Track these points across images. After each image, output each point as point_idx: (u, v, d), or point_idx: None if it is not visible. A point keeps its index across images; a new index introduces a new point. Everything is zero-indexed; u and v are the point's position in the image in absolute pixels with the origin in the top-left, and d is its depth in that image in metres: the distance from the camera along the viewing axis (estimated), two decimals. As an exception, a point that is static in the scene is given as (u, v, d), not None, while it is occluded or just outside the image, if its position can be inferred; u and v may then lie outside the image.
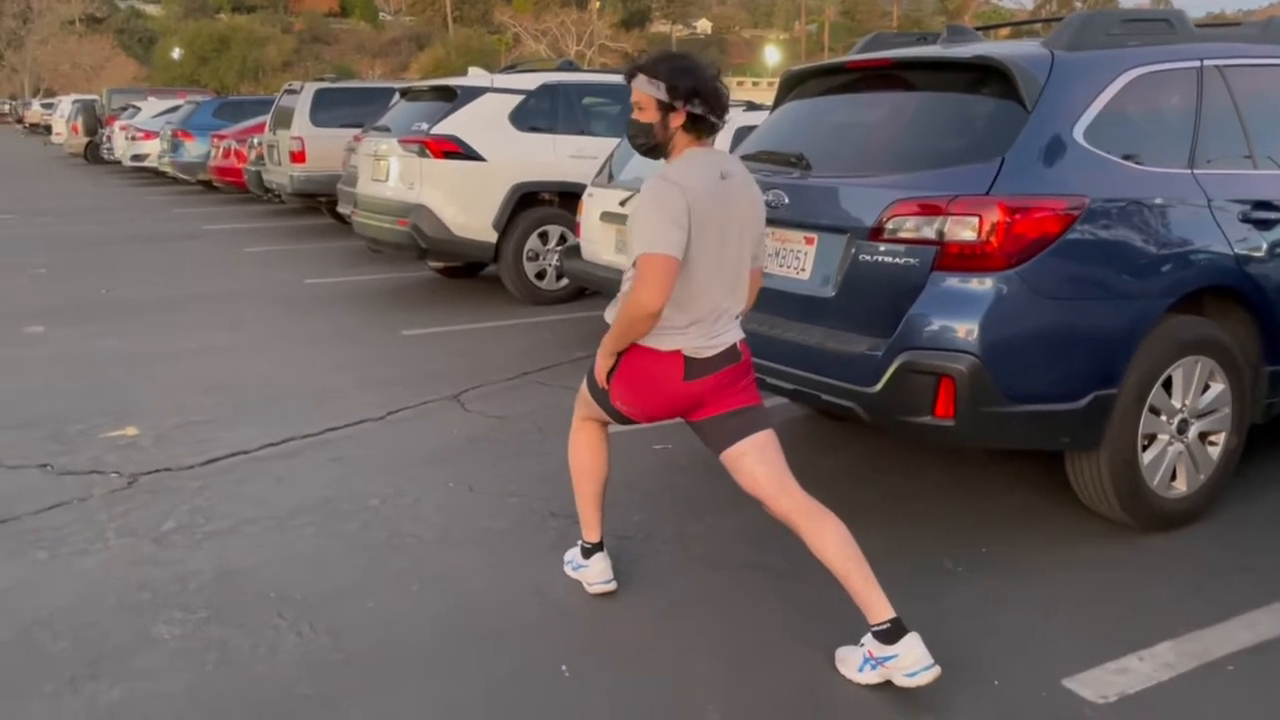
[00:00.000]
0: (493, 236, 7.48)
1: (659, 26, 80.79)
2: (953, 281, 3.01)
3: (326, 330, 6.81)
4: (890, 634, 2.52)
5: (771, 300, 3.47)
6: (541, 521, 3.57)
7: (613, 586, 3.04)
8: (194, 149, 16.56)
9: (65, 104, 30.79)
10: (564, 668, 2.64)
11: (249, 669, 2.67)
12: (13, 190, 18.29)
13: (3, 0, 77.37)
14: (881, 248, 3.17)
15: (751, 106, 6.42)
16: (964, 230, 2.99)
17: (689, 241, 2.49)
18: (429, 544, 3.42)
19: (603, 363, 2.70)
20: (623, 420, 2.80)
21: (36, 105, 53.06)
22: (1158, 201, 3.17)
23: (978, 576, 3.14)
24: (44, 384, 5.40)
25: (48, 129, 40.65)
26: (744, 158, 3.85)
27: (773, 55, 70.00)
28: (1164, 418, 3.29)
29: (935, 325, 3.02)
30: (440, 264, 8.76)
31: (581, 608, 2.96)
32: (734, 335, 2.67)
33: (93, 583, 3.15)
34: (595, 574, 3.04)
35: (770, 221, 3.45)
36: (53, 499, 3.80)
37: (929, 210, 3.07)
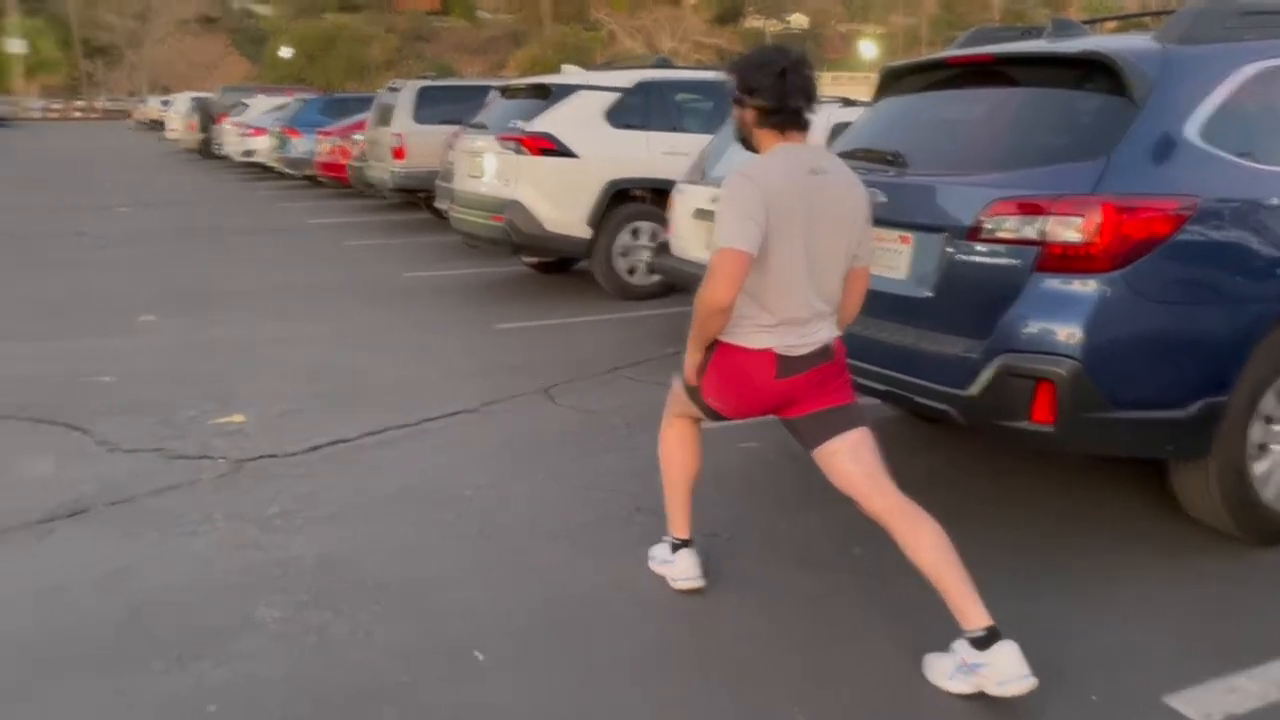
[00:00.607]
0: (585, 232, 7.53)
1: (753, 21, 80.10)
2: (1054, 283, 2.92)
3: (423, 322, 6.95)
4: (984, 641, 2.46)
5: (865, 299, 3.42)
6: (629, 516, 3.58)
7: (700, 583, 3.02)
8: (300, 145, 17.08)
9: (182, 101, 32.07)
10: (647, 664, 2.65)
11: (345, 654, 2.72)
12: (130, 184, 19.14)
13: (126, 2, 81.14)
14: (979, 247, 3.10)
15: (847, 103, 6.32)
16: (1067, 230, 2.90)
17: (769, 238, 2.46)
18: (519, 535, 3.46)
19: (690, 359, 2.69)
20: (715, 416, 2.78)
21: (154, 102, 55.46)
22: (1275, 202, 3.03)
23: (1076, 586, 3.06)
24: (156, 371, 5.63)
25: (160, 125, 42.43)
26: (839, 155, 3.79)
27: (869, 50, 68.83)
28: (1278, 427, 3.16)
29: (1035, 328, 2.94)
30: (533, 259, 8.85)
31: (666, 603, 2.96)
32: (828, 333, 2.64)
33: (201, 564, 3.27)
34: (682, 570, 3.03)
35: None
36: (165, 482, 3.96)
37: (1030, 209, 2.99)
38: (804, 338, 2.59)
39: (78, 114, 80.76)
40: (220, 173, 21.95)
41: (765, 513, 3.61)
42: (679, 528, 3.06)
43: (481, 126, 8.24)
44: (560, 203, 7.48)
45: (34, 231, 11.94)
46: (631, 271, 7.72)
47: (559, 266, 9.01)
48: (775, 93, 2.53)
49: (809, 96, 2.57)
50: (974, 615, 2.47)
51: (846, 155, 3.79)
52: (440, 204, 10.11)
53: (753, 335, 2.58)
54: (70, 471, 4.08)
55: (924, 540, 2.51)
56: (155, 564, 3.27)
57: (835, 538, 3.37)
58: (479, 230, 7.83)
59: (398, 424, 4.64)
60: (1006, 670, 2.41)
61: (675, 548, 3.06)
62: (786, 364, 2.57)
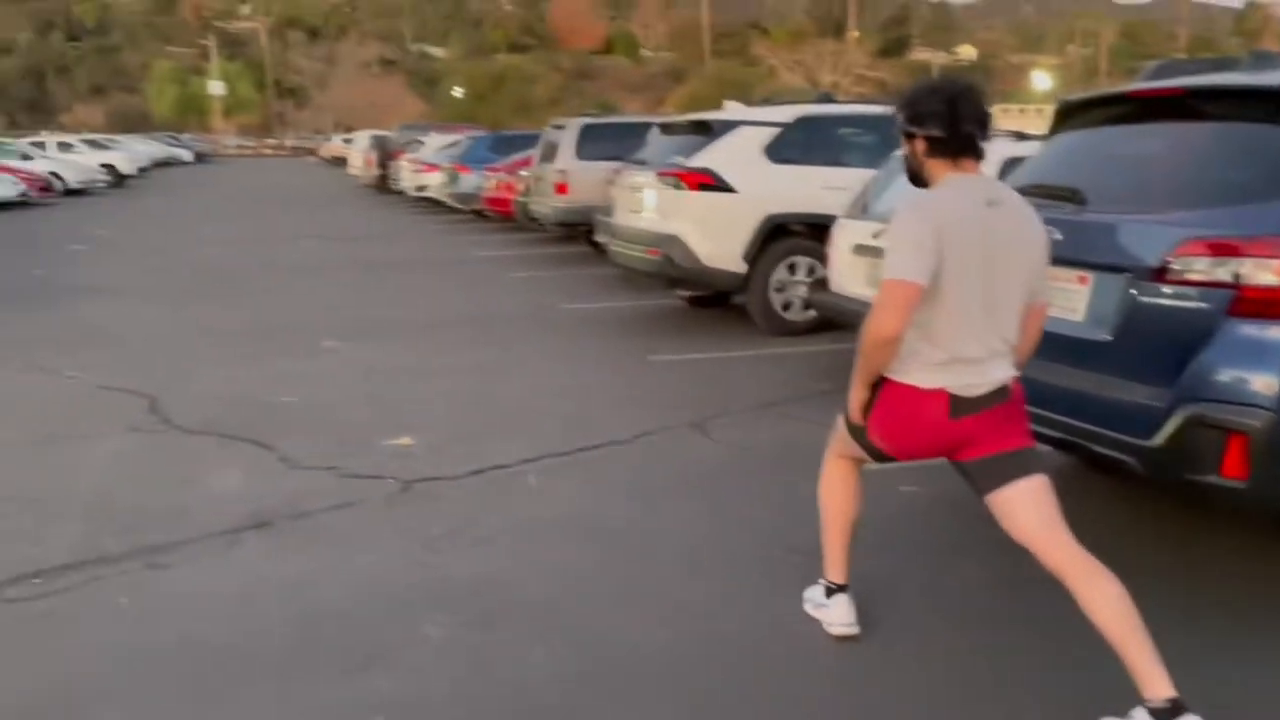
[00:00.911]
0: (742, 267, 7.53)
1: (918, 54, 78.80)
2: (1249, 329, 2.75)
3: (581, 353, 7.10)
4: (1168, 713, 2.30)
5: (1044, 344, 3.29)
6: (783, 556, 3.52)
7: (855, 630, 2.95)
8: (469, 181, 17.81)
9: (362, 138, 34.03)
10: (799, 714, 2.59)
11: (504, 675, 2.78)
12: (315, 218, 20.40)
13: (313, 47, 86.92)
14: (1165, 289, 2.96)
15: (1020, 137, 6.12)
16: (1264, 273, 2.74)
17: (942, 270, 2.38)
18: (673, 568, 3.47)
19: (855, 395, 2.61)
20: (880, 457, 2.69)
21: (337, 140, 58.99)
22: None
23: (1271, 659, 2.82)
24: (335, 393, 5.95)
25: (343, 161, 45.08)
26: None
27: (1042, 81, 66.47)
28: None
29: (1227, 376, 2.77)
30: (689, 293, 8.91)
31: (820, 649, 2.91)
32: (1005, 372, 2.52)
33: (370, 579, 3.42)
34: (837, 615, 2.96)
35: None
36: (339, 499, 4.17)
37: (1223, 250, 2.83)
38: (980, 376, 2.47)
39: (268, 151, 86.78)
40: (395, 207, 23.13)
41: (925, 562, 3.50)
42: (836, 572, 2.99)
43: (642, 162, 8.39)
44: (717, 237, 7.51)
45: (231, 260, 12.89)
46: (787, 307, 7.66)
47: (714, 301, 9.04)
48: (946, 120, 2.45)
49: (982, 122, 2.47)
50: (1157, 683, 2.31)
51: (1020, 191, 3.65)
52: (600, 238, 10.34)
53: (924, 373, 2.48)
54: (256, 485, 4.35)
55: (1104, 598, 2.36)
56: (330, 577, 3.44)
57: (1002, 591, 3.22)
58: (637, 264, 7.95)
59: (554, 452, 4.74)
60: (1190, 748, 2.24)
61: (831, 592, 2.99)
62: (960, 404, 2.47)
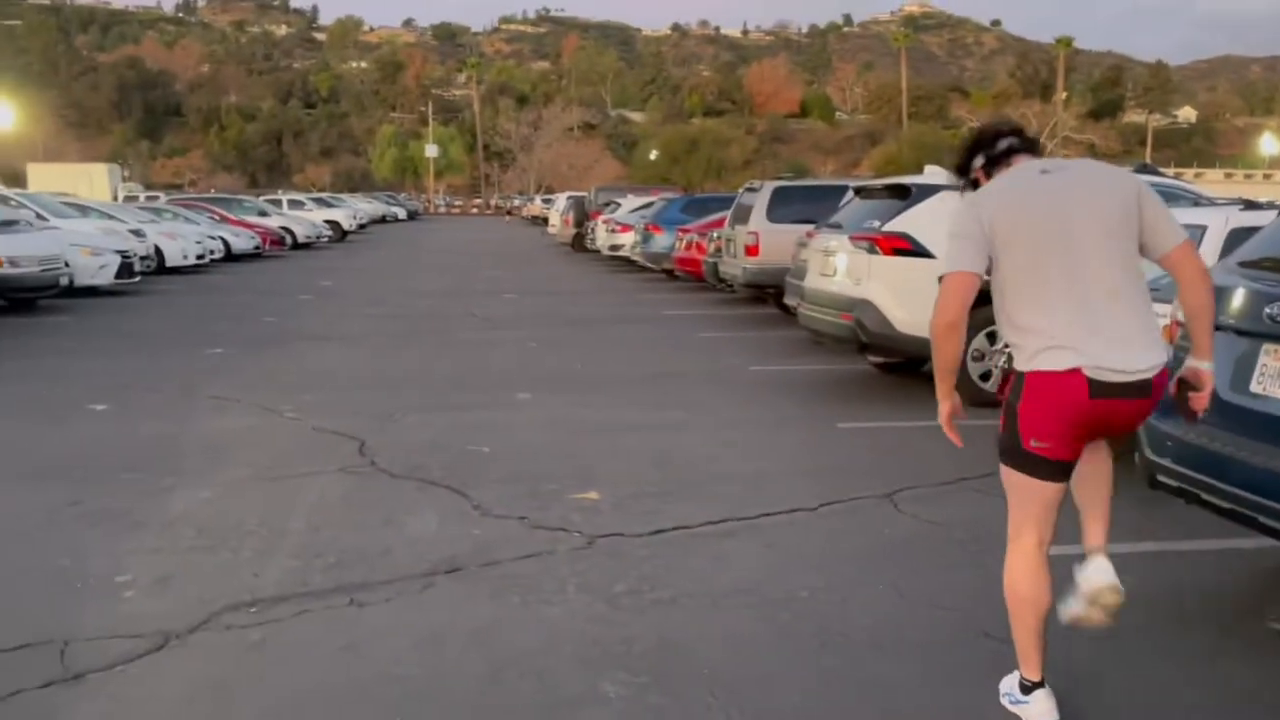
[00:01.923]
0: (937, 335, 7.33)
1: (1132, 115, 74.91)
2: None
3: (767, 415, 7.06)
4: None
5: (1265, 426, 3.03)
6: (975, 640, 3.33)
7: (1057, 729, 2.76)
8: (661, 241, 18.22)
9: (561, 199, 35.53)
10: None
11: (681, 741, 2.76)
12: (515, 273, 21.33)
13: (521, 112, 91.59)
14: None
15: (1249, 205, 5.69)
16: None
17: (1000, 252, 2.52)
18: (857, 646, 3.35)
19: (941, 407, 2.73)
20: (1042, 469, 2.59)
21: (538, 200, 61.88)
22: None
23: None
24: (527, 445, 6.16)
25: (543, 220, 47.11)
26: (1243, 264, 3.42)
27: (1270, 145, 61.71)
28: None
29: None
30: (880, 358, 8.73)
31: (1018, 745, 2.73)
32: (1147, 359, 2.47)
33: (554, 631, 3.48)
34: (1037, 713, 2.78)
35: (1273, 337, 3.04)
36: (527, 549, 4.28)
37: None
38: (1110, 357, 2.45)
39: (475, 210, 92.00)
40: (589, 264, 23.86)
41: (1134, 659, 3.25)
42: (1030, 668, 2.81)
43: (836, 226, 8.34)
44: (912, 303, 7.34)
45: (438, 311, 13.65)
46: (985, 377, 7.37)
47: (906, 367, 8.80)
48: (979, 149, 2.71)
49: (1010, 129, 2.71)
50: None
51: (1253, 265, 3.41)
52: (789, 300, 10.29)
53: (1047, 357, 2.49)
54: (450, 530, 4.54)
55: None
56: (516, 626, 3.53)
57: (1207, 690, 2.94)
58: (827, 327, 7.87)
59: (737, 515, 4.71)
60: None
61: (1027, 689, 2.82)
62: (1098, 387, 2.47)
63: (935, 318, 2.59)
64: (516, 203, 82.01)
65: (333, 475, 5.42)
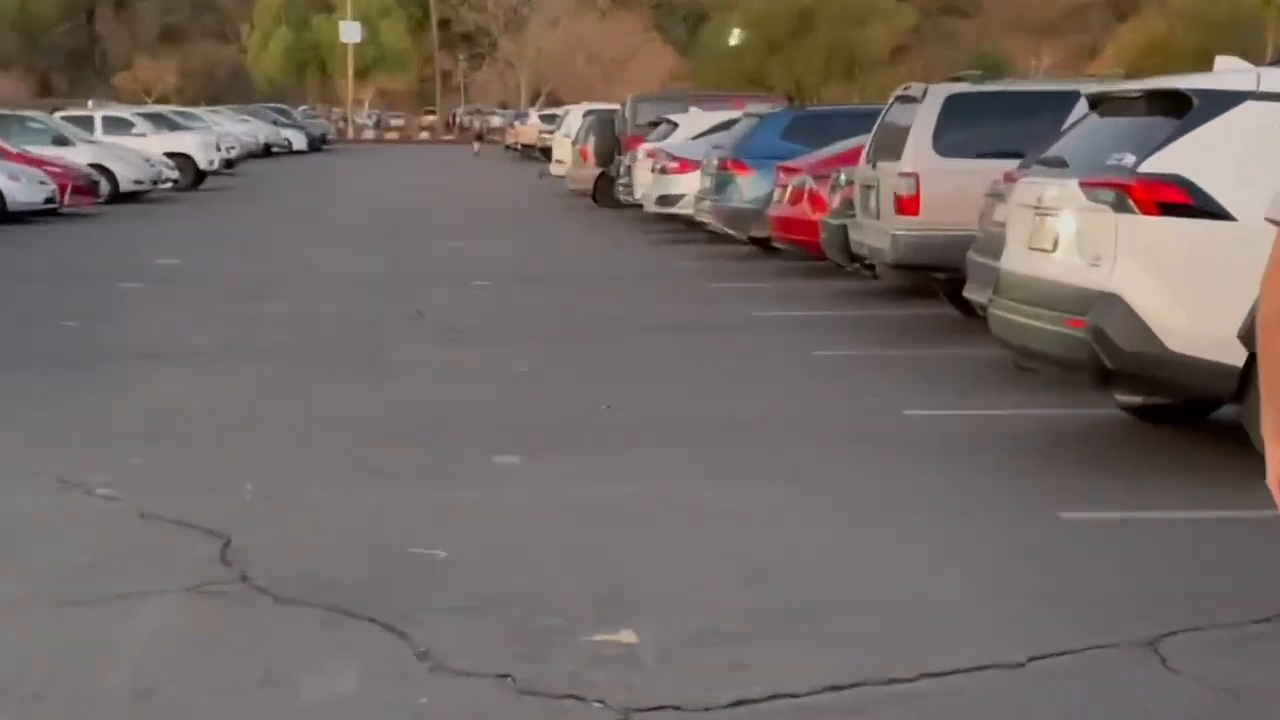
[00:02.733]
0: (1238, 356, 7.24)
1: None
2: None
3: (932, 495, 7.00)
4: None
5: None
6: None
7: None
8: (749, 188, 18.31)
9: (574, 117, 35.62)
10: None
11: None
12: (497, 245, 21.49)
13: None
14: None
15: None
16: None
17: None
18: None
19: (1273, 450, 2.75)
20: None
21: (534, 118, 62.28)
22: None
23: None
24: (510, 544, 6.15)
25: (543, 153, 47.44)
26: None
27: None
28: None
29: None
30: (1134, 397, 8.65)
31: None
32: None
33: None
34: None
35: None
36: (512, 730, 4.29)
37: None
38: None
39: (425, 132, 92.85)
40: (623, 228, 23.99)
41: None
42: None
43: (1057, 163, 8.30)
44: (1194, 301, 7.27)
45: (359, 313, 13.79)
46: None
47: (1181, 413, 8.71)
48: None
49: None
50: None
51: None
52: (973, 293, 10.22)
53: None
54: (379, 697, 4.55)
55: None
56: None
57: None
58: (1040, 341, 7.82)
59: (881, 675, 4.69)
60: None
61: None
62: None
63: (1263, 304, 2.65)
64: (495, 121, 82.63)
65: (175, 599, 5.45)
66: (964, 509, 6.83)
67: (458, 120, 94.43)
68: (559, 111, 47.37)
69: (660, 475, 7.42)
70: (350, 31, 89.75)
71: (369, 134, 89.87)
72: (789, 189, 16.42)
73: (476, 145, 64.94)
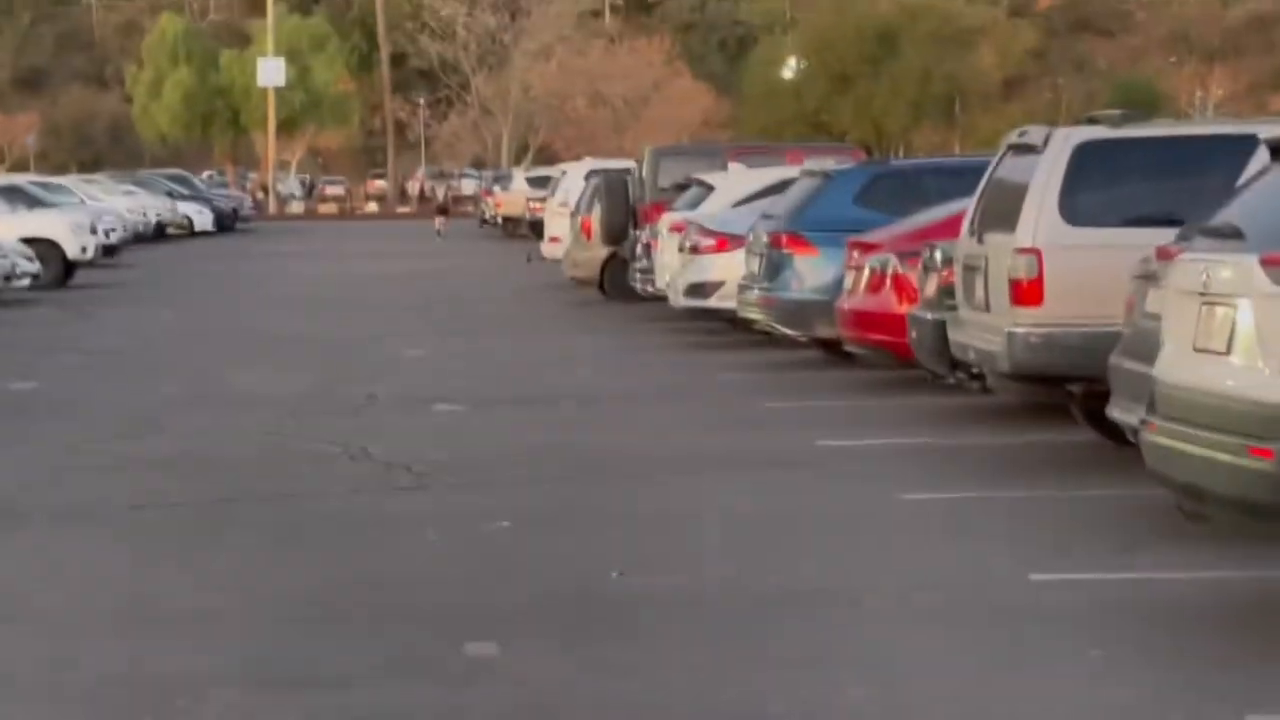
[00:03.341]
0: None
1: None
2: None
3: (1085, 702, 6.92)
4: None
5: None
6: None
7: None
8: (811, 272, 18.32)
9: (572, 179, 35.70)
10: None
11: None
12: (465, 354, 21.48)
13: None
14: None
15: None
16: None
17: None
18: None
19: None
20: None
21: (519, 180, 62.36)
22: None
23: None
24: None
25: (530, 228, 47.53)
26: None
27: None
28: None
29: None
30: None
31: None
32: None
33: None
34: None
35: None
36: None
37: None
38: None
39: (372, 205, 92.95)
40: (642, 330, 24.08)
41: None
42: None
43: (1229, 232, 8.27)
44: None
45: (277, 450, 13.81)
46: None
47: None
48: None
49: None
50: None
51: None
52: (1120, 412, 10.14)
53: None
54: None
55: None
56: None
57: None
58: (1215, 479, 7.72)
59: None
60: None
61: None
62: None
63: None
64: (467, 187, 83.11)
65: None
66: (1128, 713, 6.73)
67: (419, 187, 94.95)
68: (553, 172, 47.78)
69: (694, 672, 7.35)
70: (271, 71, 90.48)
71: (297, 206, 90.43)
72: (865, 272, 16.38)
73: (439, 222, 64.64)
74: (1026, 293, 12.06)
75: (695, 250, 22.60)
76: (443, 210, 69.86)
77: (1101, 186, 12.31)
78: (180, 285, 36.86)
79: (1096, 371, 10.95)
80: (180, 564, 9.67)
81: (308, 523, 10.84)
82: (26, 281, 31.95)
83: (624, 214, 28.59)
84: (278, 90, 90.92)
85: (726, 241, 21.80)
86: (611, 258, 28.76)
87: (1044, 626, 8.07)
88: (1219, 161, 10.90)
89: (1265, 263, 7.59)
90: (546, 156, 78.14)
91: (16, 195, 39.18)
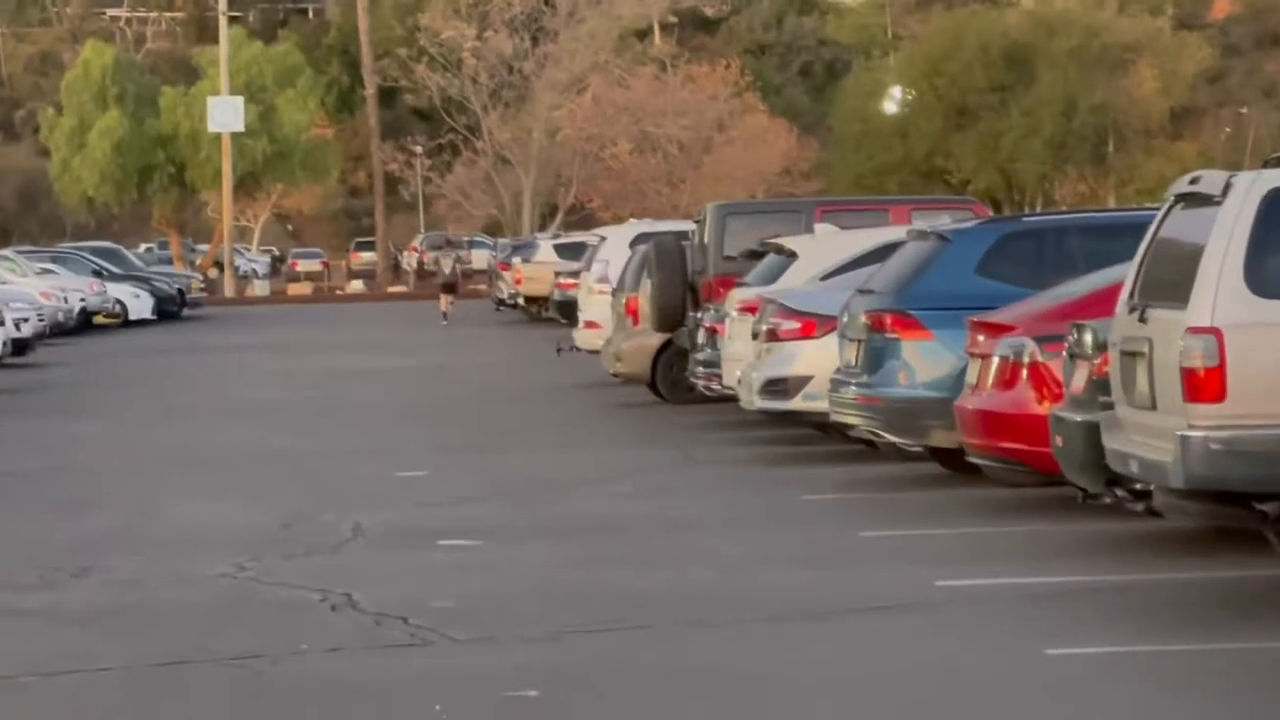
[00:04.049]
0: None
1: None
2: None
3: None
4: None
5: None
6: None
7: None
8: (923, 362, 18.45)
9: (613, 245, 35.72)
10: None
11: None
12: (478, 473, 21.55)
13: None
14: None
15: None
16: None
17: None
18: None
19: None
20: None
21: (545, 248, 62.45)
22: None
23: None
24: None
25: (564, 311, 47.59)
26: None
27: None
28: None
29: None
30: None
31: None
32: None
33: None
34: None
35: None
36: None
37: None
38: None
39: (356, 283, 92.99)
40: (705, 439, 24.14)
41: None
42: None
43: None
44: None
45: (232, 598, 13.81)
46: None
47: None
48: None
49: None
50: None
51: None
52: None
53: None
54: None
55: None
56: None
57: None
58: None
59: None
60: None
61: None
62: None
63: None
64: (478, 259, 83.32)
65: None
66: None
67: (417, 259, 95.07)
68: (588, 237, 47.83)
69: None
70: (226, 113, 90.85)
71: (262, 287, 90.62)
72: (994, 362, 16.31)
73: (445, 303, 64.71)
74: (1204, 385, 11.94)
75: (774, 336, 22.59)
76: (449, 288, 69.85)
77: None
78: (112, 389, 37.05)
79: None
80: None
81: (274, 691, 10.81)
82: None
83: (681, 291, 28.61)
84: (234, 137, 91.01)
85: (814, 324, 21.82)
86: (665, 347, 28.87)
87: None
88: None
89: None
90: (580, 219, 78.28)
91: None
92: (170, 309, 65.39)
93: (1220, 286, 12.01)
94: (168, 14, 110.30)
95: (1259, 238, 12.07)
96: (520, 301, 62.07)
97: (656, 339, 28.94)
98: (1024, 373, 15.72)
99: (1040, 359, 15.49)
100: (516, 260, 66.84)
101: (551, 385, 34.19)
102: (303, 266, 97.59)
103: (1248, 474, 11.82)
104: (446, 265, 77.37)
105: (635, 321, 29.89)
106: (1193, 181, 13.31)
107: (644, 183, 79.59)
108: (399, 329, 57.37)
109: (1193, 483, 12.06)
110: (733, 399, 24.08)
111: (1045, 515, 16.35)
